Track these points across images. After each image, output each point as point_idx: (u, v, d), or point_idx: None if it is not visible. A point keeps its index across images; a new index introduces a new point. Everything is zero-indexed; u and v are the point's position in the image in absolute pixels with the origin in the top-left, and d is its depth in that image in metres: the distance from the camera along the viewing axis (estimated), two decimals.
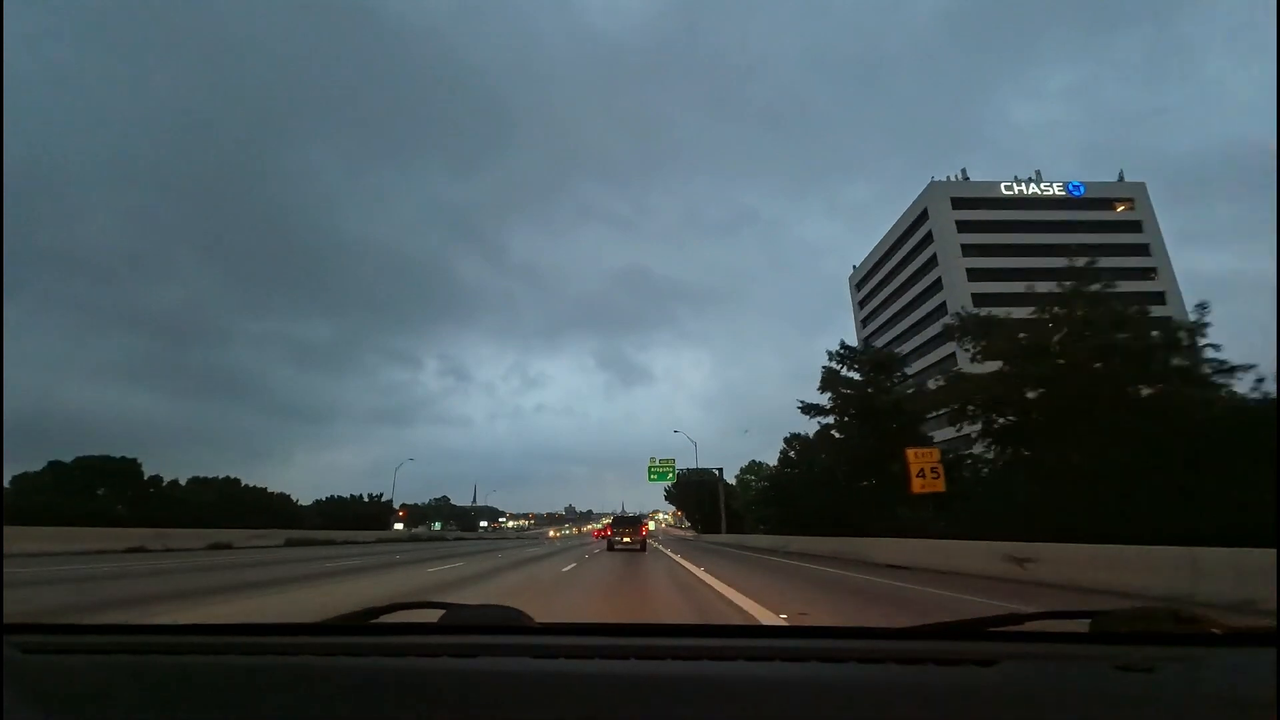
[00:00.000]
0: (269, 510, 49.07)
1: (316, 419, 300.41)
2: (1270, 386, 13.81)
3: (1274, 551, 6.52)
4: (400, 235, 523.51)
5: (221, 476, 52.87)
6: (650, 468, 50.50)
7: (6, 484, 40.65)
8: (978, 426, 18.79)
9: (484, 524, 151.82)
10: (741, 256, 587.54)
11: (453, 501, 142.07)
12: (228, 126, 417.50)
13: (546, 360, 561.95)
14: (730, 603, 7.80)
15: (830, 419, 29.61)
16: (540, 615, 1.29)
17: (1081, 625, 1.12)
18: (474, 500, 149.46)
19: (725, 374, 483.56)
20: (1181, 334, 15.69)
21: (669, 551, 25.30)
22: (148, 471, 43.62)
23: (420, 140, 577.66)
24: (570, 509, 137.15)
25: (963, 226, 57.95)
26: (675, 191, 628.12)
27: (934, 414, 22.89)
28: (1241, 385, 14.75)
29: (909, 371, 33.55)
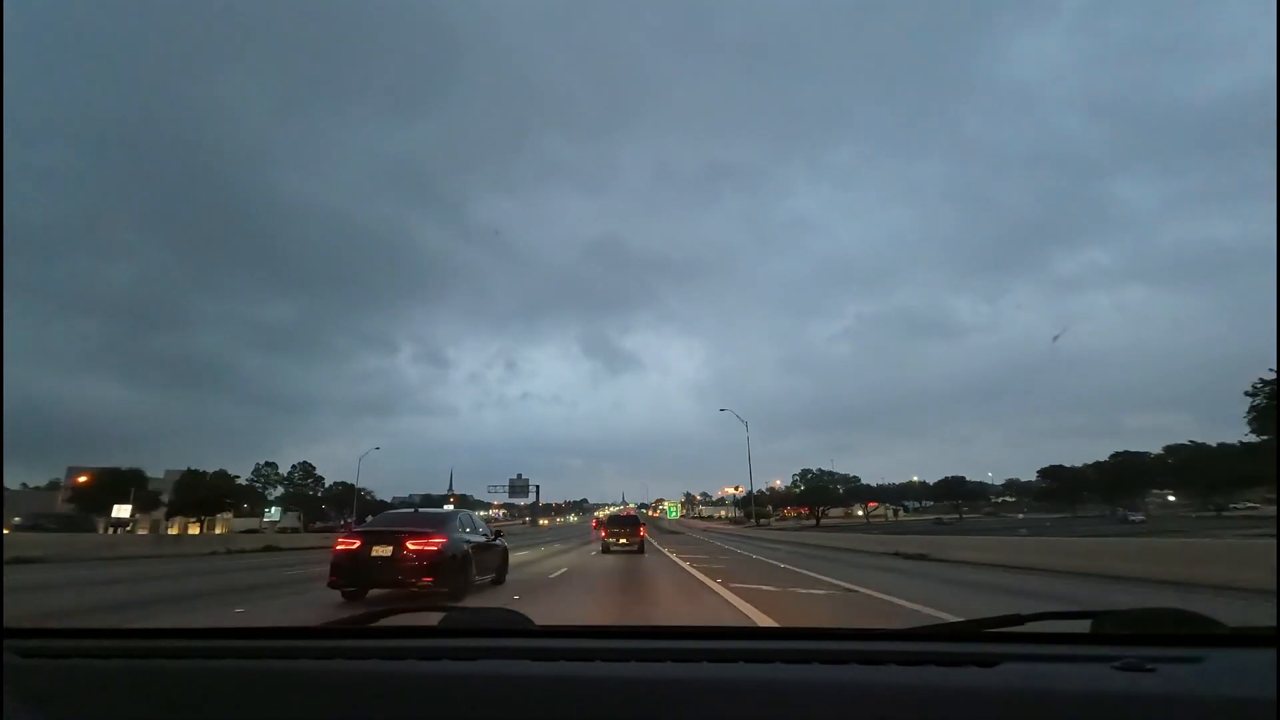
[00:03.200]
0: None
1: (298, 410, 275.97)
2: None
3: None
4: (346, 197, 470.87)
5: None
6: None
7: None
8: None
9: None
10: (722, 226, 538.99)
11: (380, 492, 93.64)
12: (142, 58, 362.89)
13: (531, 348, 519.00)
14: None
15: None
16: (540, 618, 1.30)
17: (1082, 626, 1.12)
18: (450, 489, 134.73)
19: (718, 362, 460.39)
20: None
21: None
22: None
23: (354, 77, 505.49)
24: (519, 480, 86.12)
25: None
26: (646, 146, 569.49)
27: None
28: None
29: None
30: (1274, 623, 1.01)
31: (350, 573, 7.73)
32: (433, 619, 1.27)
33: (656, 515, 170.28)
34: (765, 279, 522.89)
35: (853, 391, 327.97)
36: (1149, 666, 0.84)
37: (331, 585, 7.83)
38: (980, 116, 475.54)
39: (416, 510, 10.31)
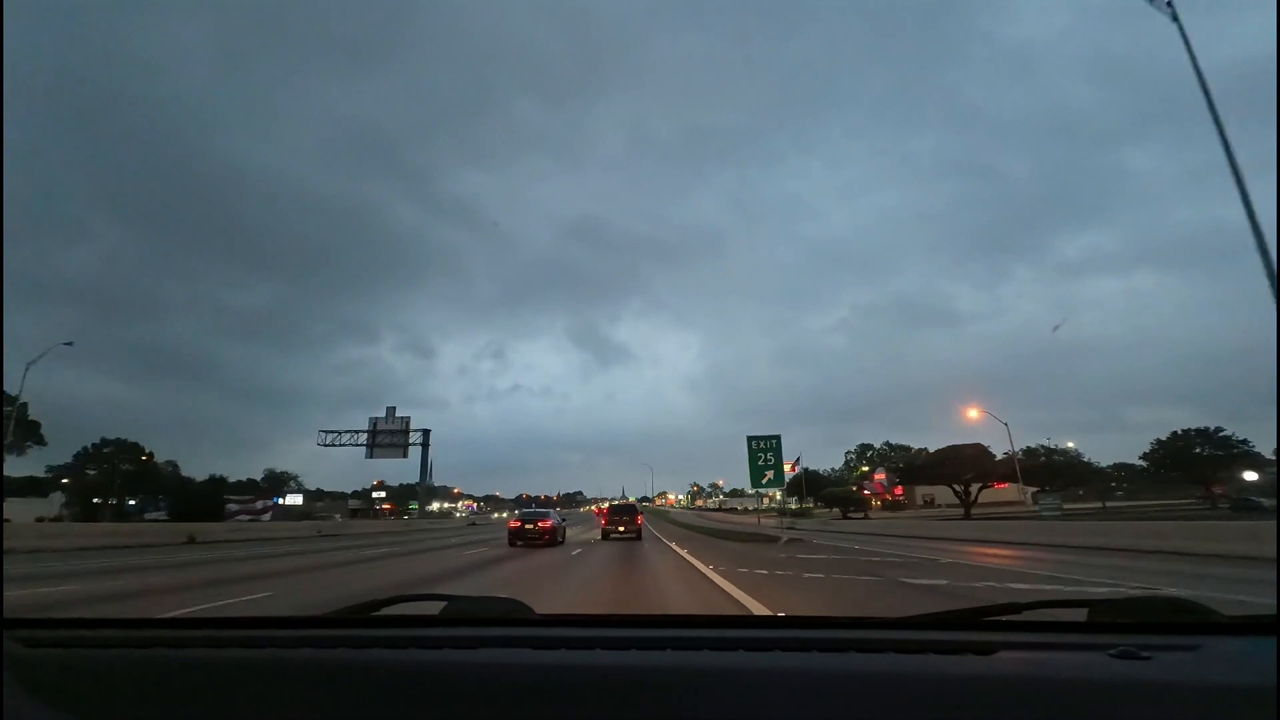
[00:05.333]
0: None
1: (285, 403, 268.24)
2: None
3: None
4: (307, 167, 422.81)
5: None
6: None
7: None
8: None
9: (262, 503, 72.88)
10: (709, 209, 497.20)
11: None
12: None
13: (520, 340, 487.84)
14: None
15: None
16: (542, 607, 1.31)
17: (1079, 614, 1.13)
18: (429, 479, 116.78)
19: (713, 355, 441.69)
20: None
21: None
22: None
23: (305, 29, 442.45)
24: (390, 420, 46.87)
25: None
26: (625, 115, 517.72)
27: None
28: None
29: None
30: (1272, 611, 1.01)
31: (517, 536, 19.16)
32: (434, 608, 1.27)
33: (670, 505, 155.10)
34: (757, 267, 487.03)
35: (850, 384, 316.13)
36: (1145, 654, 0.84)
37: (510, 542, 19.20)
38: (978, 82, 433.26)
39: (535, 508, 28.19)
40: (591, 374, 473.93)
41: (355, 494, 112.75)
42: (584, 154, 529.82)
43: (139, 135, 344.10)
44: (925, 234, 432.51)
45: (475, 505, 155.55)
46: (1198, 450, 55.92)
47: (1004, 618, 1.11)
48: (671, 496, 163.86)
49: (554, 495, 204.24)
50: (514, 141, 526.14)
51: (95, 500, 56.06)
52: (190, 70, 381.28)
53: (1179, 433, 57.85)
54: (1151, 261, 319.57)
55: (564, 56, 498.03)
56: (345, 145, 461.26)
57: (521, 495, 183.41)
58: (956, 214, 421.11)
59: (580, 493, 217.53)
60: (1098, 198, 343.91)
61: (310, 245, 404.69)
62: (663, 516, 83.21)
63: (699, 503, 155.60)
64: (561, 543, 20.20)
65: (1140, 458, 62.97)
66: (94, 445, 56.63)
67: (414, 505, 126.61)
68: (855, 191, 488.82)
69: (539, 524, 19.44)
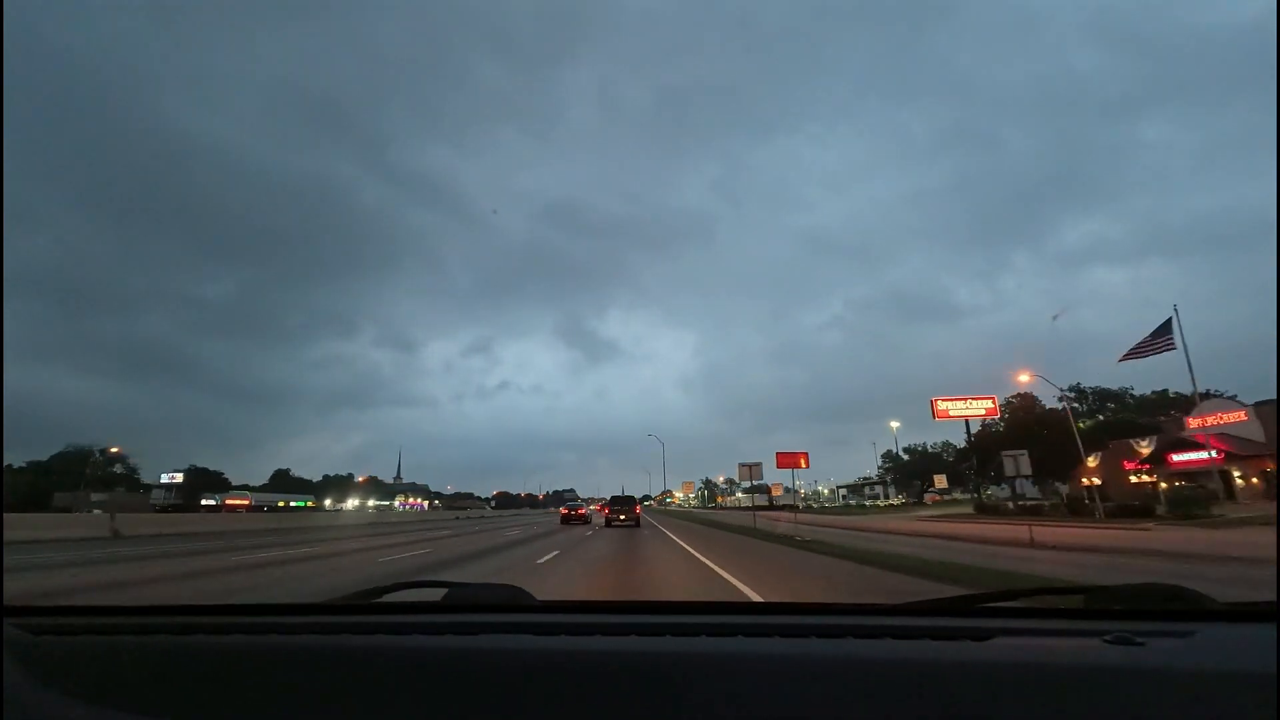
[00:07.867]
0: None
1: (274, 402, 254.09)
2: None
3: None
4: (261, 141, 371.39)
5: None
6: None
7: None
8: None
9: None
10: (695, 190, 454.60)
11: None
12: None
13: (505, 335, 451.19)
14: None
15: None
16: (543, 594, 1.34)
17: (1075, 601, 1.14)
18: (398, 474, 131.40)
19: (708, 353, 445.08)
20: None
21: None
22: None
23: None
24: None
25: None
26: (601, 88, 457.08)
27: None
28: None
29: None
30: (1266, 600, 1.04)
31: (567, 520, 34.74)
32: (436, 595, 1.29)
33: (708, 501, 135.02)
34: (747, 260, 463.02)
35: (846, 382, 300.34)
36: (1139, 641, 0.85)
37: (561, 522, 34.78)
38: (973, 48, 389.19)
39: (575, 497, 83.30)
40: (583, 372, 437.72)
41: (157, 485, 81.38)
42: (558, 129, 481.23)
43: (71, 96, 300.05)
44: (920, 222, 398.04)
45: (424, 504, 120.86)
46: None
47: (1000, 604, 1.13)
48: (678, 493, 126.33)
49: (539, 494, 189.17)
50: (483, 113, 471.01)
51: None
52: (116, 16, 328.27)
53: None
54: (1161, 250, 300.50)
55: (528, 15, 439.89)
56: (301, 117, 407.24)
57: (495, 493, 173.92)
58: (953, 199, 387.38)
59: (572, 490, 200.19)
60: (1103, 178, 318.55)
61: (276, 229, 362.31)
62: (689, 518, 44.75)
63: (762, 493, 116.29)
64: (589, 522, 34.30)
65: None
66: None
67: (301, 502, 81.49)
68: (845, 177, 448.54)
69: (578, 511, 36.05)
